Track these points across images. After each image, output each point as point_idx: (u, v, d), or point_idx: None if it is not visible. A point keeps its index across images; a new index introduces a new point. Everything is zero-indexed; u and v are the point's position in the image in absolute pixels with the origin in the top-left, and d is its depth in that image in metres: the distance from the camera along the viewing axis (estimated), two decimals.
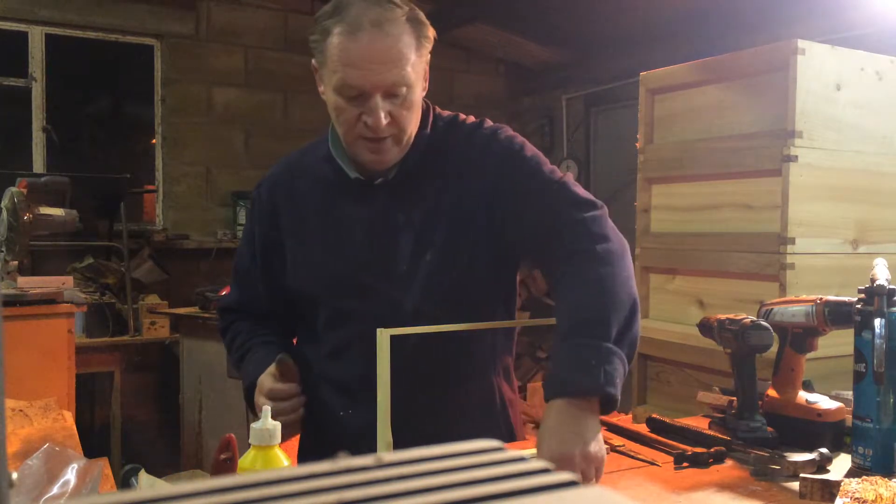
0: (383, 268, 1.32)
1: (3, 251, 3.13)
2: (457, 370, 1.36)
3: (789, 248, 2.03)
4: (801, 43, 2.04)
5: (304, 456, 1.45)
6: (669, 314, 2.45)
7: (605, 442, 1.33)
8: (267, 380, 1.33)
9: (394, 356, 1.17)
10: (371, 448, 1.19)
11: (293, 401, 1.32)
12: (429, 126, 1.36)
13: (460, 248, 1.31)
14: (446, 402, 1.35)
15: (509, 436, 1.42)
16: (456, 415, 1.34)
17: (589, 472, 1.06)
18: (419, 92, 1.29)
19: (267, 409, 1.03)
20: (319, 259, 1.37)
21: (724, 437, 1.33)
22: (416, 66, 1.25)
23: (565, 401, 1.09)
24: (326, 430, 1.39)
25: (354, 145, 1.30)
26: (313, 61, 1.31)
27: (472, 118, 1.42)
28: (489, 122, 1.40)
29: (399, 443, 1.18)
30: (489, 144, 1.35)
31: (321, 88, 1.32)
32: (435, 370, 1.34)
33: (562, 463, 1.03)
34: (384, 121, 1.24)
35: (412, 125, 1.31)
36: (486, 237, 1.32)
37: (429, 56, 1.31)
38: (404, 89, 1.24)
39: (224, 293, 3.47)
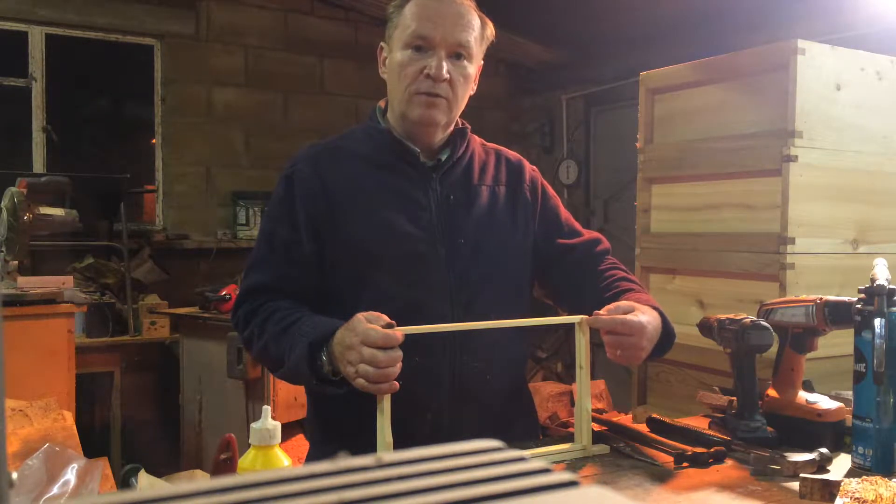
0: (446, 237, 1.41)
1: (3, 251, 3.13)
2: (508, 347, 1.48)
3: (789, 248, 2.03)
4: (801, 43, 2.04)
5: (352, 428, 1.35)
6: (669, 314, 2.43)
7: (605, 442, 1.34)
8: (371, 325, 1.18)
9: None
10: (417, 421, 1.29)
11: (398, 352, 1.18)
12: (467, 137, 1.51)
13: (510, 230, 1.49)
14: (498, 375, 1.44)
15: (534, 411, 1.60)
16: (505, 385, 1.47)
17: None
18: (472, 75, 1.44)
19: (267, 409, 1.03)
20: (381, 222, 1.39)
21: (724, 437, 1.33)
22: (475, 46, 1.43)
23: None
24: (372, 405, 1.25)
25: (411, 101, 1.40)
26: (382, 44, 1.46)
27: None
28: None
29: (453, 408, 1.38)
30: (525, 167, 1.57)
31: (382, 68, 1.47)
32: (491, 345, 1.43)
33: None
34: (445, 74, 1.38)
35: (462, 100, 1.44)
36: (525, 232, 1.51)
37: (482, 61, 1.48)
38: (464, 58, 1.41)
39: (225, 292, 3.49)
